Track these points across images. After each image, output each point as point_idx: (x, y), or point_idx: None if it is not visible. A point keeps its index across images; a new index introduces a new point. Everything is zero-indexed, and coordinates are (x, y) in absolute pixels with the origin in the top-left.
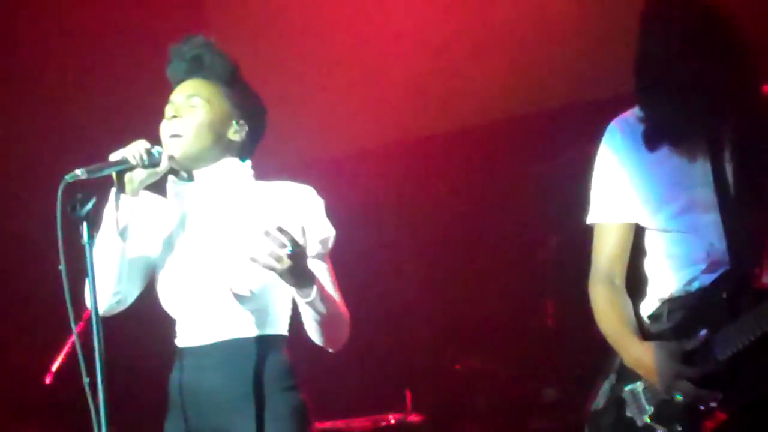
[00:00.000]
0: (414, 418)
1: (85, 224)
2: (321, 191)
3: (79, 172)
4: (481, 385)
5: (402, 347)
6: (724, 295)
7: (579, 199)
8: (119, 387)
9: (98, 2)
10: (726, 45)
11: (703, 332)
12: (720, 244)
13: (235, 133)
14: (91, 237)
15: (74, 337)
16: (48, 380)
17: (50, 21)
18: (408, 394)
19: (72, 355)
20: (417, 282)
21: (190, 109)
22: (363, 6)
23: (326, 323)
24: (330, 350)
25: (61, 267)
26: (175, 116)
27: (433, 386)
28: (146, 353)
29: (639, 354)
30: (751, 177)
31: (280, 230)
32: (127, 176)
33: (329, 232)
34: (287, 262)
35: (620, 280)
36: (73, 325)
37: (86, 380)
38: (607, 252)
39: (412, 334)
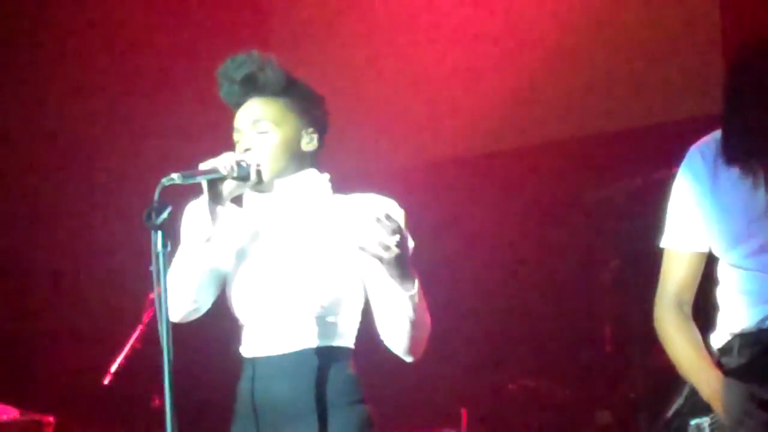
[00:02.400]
0: None
1: (160, 233)
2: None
3: (175, 176)
4: (535, 405)
5: (458, 365)
6: None
7: (641, 225)
8: (183, 394)
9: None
10: None
11: None
12: None
13: (308, 143)
14: (165, 245)
15: (163, 344)
16: (106, 381)
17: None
18: (463, 412)
19: (130, 358)
20: (475, 300)
21: (259, 136)
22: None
23: (417, 325)
24: (409, 359)
25: (152, 269)
26: (247, 149)
27: (488, 405)
28: (210, 362)
29: (718, 387)
30: None
31: (389, 218)
32: (218, 186)
33: (411, 243)
34: (395, 251)
35: (688, 308)
36: (164, 333)
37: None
38: (676, 279)
39: (469, 352)
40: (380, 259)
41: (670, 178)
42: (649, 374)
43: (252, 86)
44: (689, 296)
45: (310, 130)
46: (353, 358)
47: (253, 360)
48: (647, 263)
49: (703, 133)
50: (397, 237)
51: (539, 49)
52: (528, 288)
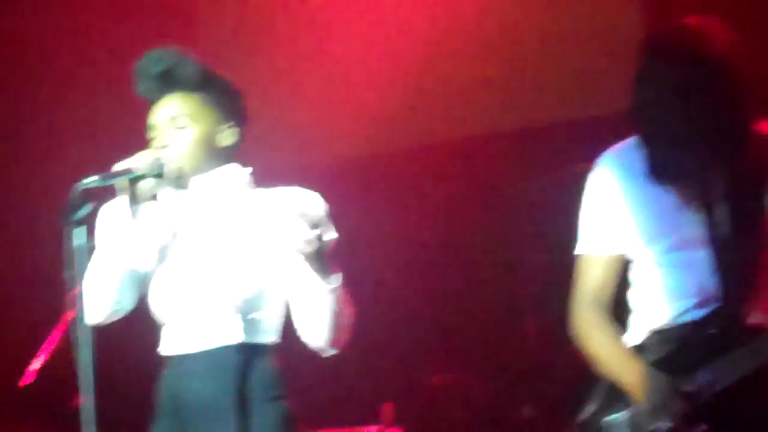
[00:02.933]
0: (393, 430)
1: (80, 228)
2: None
3: (92, 179)
4: (460, 399)
5: (383, 360)
6: (713, 331)
7: (564, 219)
8: (104, 392)
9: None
10: (724, 86)
11: (705, 375)
12: (711, 282)
13: (226, 138)
14: (87, 242)
15: (77, 342)
16: (26, 381)
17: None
18: (389, 407)
19: (50, 358)
20: (399, 295)
21: (176, 131)
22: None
23: (339, 317)
24: (331, 351)
25: (67, 274)
26: (164, 145)
27: (413, 399)
28: (132, 360)
29: (642, 376)
30: (743, 218)
31: (310, 211)
32: (136, 185)
33: (333, 236)
34: (316, 244)
35: (607, 310)
36: (79, 331)
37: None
38: (593, 282)
39: (394, 347)
40: (302, 252)
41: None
42: (573, 368)
43: (169, 82)
44: (607, 300)
45: (228, 124)
46: (276, 354)
47: (174, 358)
48: (570, 257)
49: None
50: (318, 230)
51: (457, 43)
52: (452, 283)
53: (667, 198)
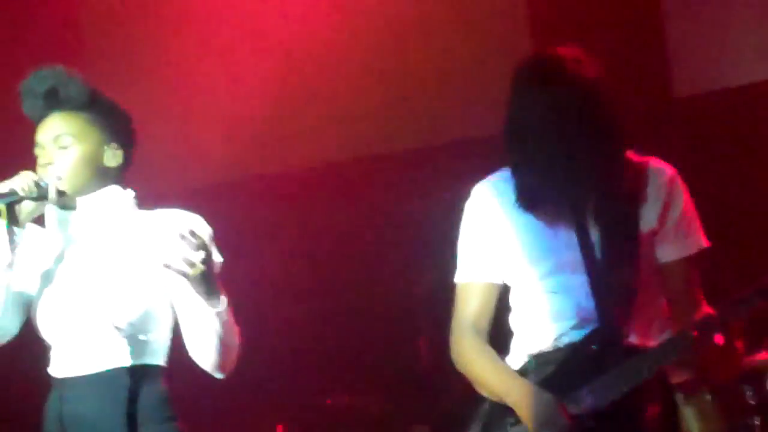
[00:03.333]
0: None
1: None
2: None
3: None
4: (353, 420)
5: (273, 380)
6: (592, 351)
7: (454, 238)
8: None
9: None
10: (595, 110)
11: (588, 394)
12: (588, 303)
13: (111, 159)
14: None
15: None
16: None
17: None
18: (279, 429)
19: None
20: (290, 316)
21: (60, 150)
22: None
23: (226, 341)
24: (219, 375)
25: None
26: (48, 163)
27: (306, 421)
28: (19, 382)
29: (527, 394)
30: (614, 238)
31: (193, 234)
32: (17, 208)
33: (218, 260)
34: (201, 267)
35: (485, 336)
36: None
37: None
38: (472, 309)
39: (285, 369)
40: (185, 275)
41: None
42: (465, 387)
43: (54, 100)
44: (485, 326)
45: (114, 145)
46: (165, 376)
47: (62, 380)
48: None
49: None
50: (203, 253)
51: (345, 68)
52: (345, 303)
53: (540, 224)
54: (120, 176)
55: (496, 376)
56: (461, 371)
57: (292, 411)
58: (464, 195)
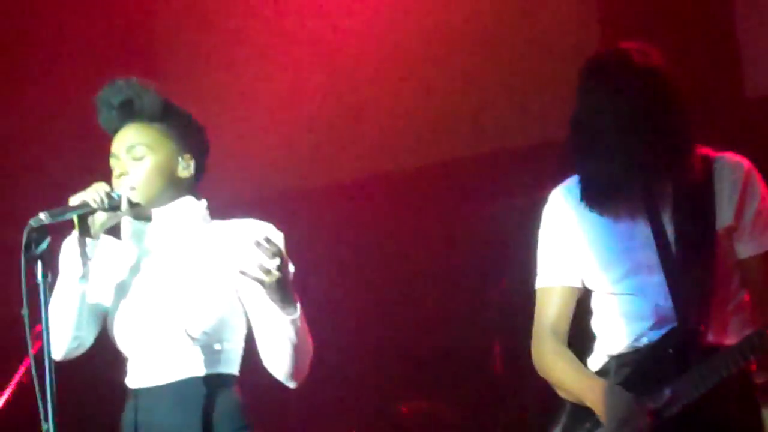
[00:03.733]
0: None
1: (39, 263)
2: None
3: (43, 216)
4: (427, 427)
5: (349, 387)
6: (671, 351)
7: (530, 243)
8: (69, 427)
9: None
10: (660, 109)
11: (668, 391)
12: (666, 303)
13: (183, 170)
14: (45, 276)
15: (33, 379)
16: None
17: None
18: None
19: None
20: (365, 322)
21: (134, 161)
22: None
23: (300, 349)
24: (292, 384)
25: (23, 312)
26: (122, 174)
27: (379, 427)
28: (95, 394)
29: (604, 392)
30: (690, 237)
31: (269, 241)
32: (90, 219)
33: (291, 268)
34: (276, 275)
35: (564, 339)
36: (33, 370)
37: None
38: (551, 313)
39: (360, 375)
40: (261, 283)
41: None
42: (539, 393)
43: (129, 112)
44: (564, 328)
45: (187, 156)
46: (238, 384)
47: (138, 391)
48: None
49: None
50: (278, 260)
51: (425, 69)
52: (418, 310)
53: (615, 225)
54: (193, 187)
55: (575, 377)
56: (542, 375)
57: (365, 417)
58: (537, 200)
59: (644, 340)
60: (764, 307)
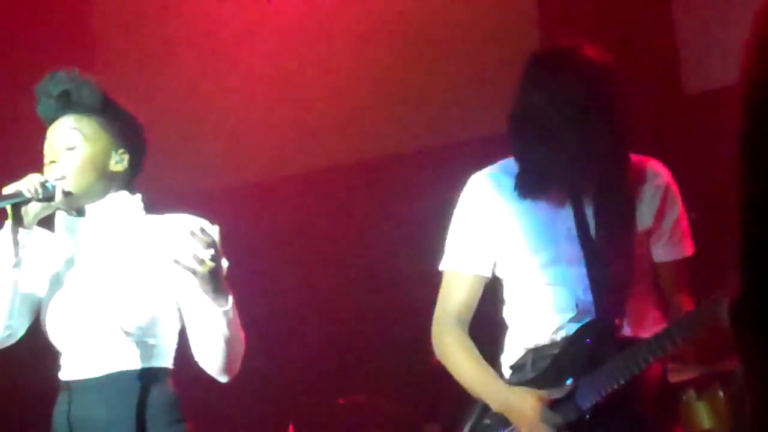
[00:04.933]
0: None
1: None
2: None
3: None
4: (364, 419)
5: (285, 380)
6: (588, 342)
7: None
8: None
9: None
10: (608, 106)
11: (570, 381)
12: (586, 296)
13: (117, 163)
14: None
15: None
16: None
17: None
18: (290, 428)
19: None
20: (300, 316)
21: (68, 151)
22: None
23: (232, 342)
24: (224, 378)
25: None
26: (53, 161)
27: (317, 421)
28: (28, 388)
29: (507, 398)
30: (612, 233)
31: (203, 231)
32: (23, 209)
33: (225, 263)
34: (209, 265)
35: (466, 328)
36: None
37: None
38: (457, 300)
39: (296, 368)
40: (194, 272)
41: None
42: None
43: (67, 103)
44: (469, 317)
45: (121, 150)
46: (173, 378)
47: (70, 383)
48: None
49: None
50: (212, 251)
51: (348, 63)
52: (356, 302)
53: (539, 214)
54: (128, 182)
55: (477, 379)
56: (441, 361)
57: (303, 411)
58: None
59: (562, 333)
60: (671, 309)
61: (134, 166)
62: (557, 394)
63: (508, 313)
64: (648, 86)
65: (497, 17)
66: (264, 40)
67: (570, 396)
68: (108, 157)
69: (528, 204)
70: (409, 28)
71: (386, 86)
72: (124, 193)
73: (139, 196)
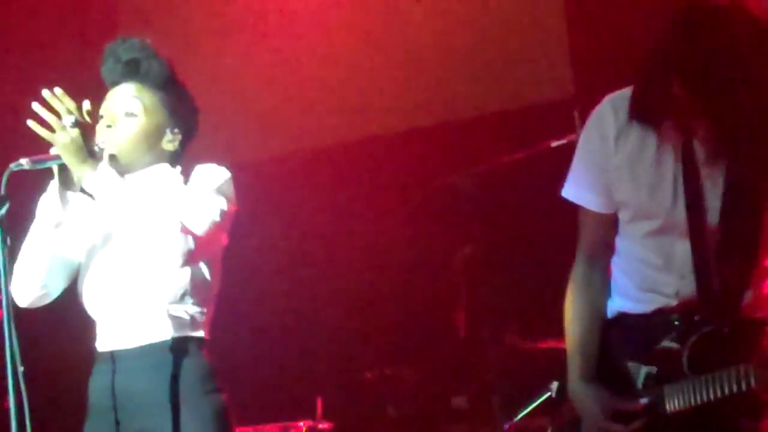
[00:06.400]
0: (324, 425)
1: None
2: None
3: (24, 162)
4: (392, 392)
5: (313, 354)
6: (686, 355)
7: (491, 211)
8: (35, 389)
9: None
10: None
11: (645, 401)
12: (690, 280)
13: (169, 142)
14: (3, 242)
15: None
16: None
17: None
18: (319, 401)
19: None
20: (328, 290)
21: (125, 118)
22: (276, 20)
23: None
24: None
25: None
26: (110, 125)
27: (344, 393)
28: (63, 356)
29: (576, 390)
30: (739, 206)
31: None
32: (70, 171)
33: (224, 174)
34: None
35: (600, 278)
36: (6, 319)
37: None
38: (588, 242)
39: (324, 342)
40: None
41: (516, 164)
42: (502, 358)
43: (134, 70)
44: (603, 251)
45: (176, 130)
46: (208, 348)
47: (107, 354)
48: (497, 249)
49: (547, 121)
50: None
51: (382, 43)
52: (381, 278)
53: (663, 172)
54: (173, 161)
55: (570, 356)
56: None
57: (330, 384)
58: (495, 168)
59: (658, 312)
60: None
61: (181, 148)
62: (627, 405)
63: (615, 262)
64: None
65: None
66: (273, 21)
67: (658, 396)
68: (162, 133)
69: (648, 149)
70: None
71: (405, 64)
72: (165, 166)
73: (179, 168)
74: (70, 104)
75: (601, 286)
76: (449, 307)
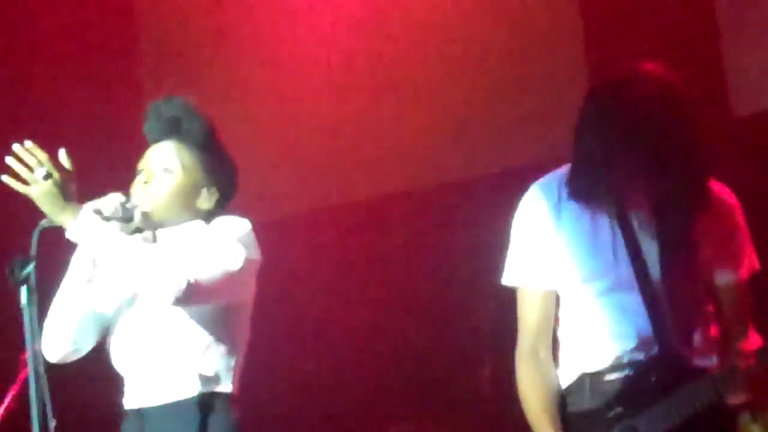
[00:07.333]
0: None
1: (24, 288)
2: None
3: (44, 221)
4: None
5: (335, 409)
6: (653, 379)
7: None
8: None
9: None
10: (677, 126)
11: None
12: (646, 325)
13: (204, 201)
14: (30, 301)
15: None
16: None
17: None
18: None
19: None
20: (350, 344)
21: (163, 174)
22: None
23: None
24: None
25: (23, 305)
26: (146, 182)
27: None
28: (90, 413)
29: None
30: (675, 257)
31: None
32: None
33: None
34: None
35: (546, 352)
36: (32, 378)
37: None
38: (531, 320)
39: (346, 397)
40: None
41: None
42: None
43: (175, 129)
44: (546, 337)
45: (212, 189)
46: (234, 403)
47: (135, 411)
48: None
49: None
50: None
51: (403, 91)
52: (406, 333)
53: (601, 236)
54: (207, 216)
55: (536, 424)
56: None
57: None
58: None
59: (625, 362)
60: (734, 334)
61: (218, 206)
62: None
63: (563, 332)
64: (695, 108)
65: (543, 43)
66: (319, 64)
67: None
68: (198, 193)
69: (586, 222)
70: (462, 57)
71: (444, 114)
72: (200, 222)
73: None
74: (41, 156)
75: (548, 358)
76: (475, 362)
